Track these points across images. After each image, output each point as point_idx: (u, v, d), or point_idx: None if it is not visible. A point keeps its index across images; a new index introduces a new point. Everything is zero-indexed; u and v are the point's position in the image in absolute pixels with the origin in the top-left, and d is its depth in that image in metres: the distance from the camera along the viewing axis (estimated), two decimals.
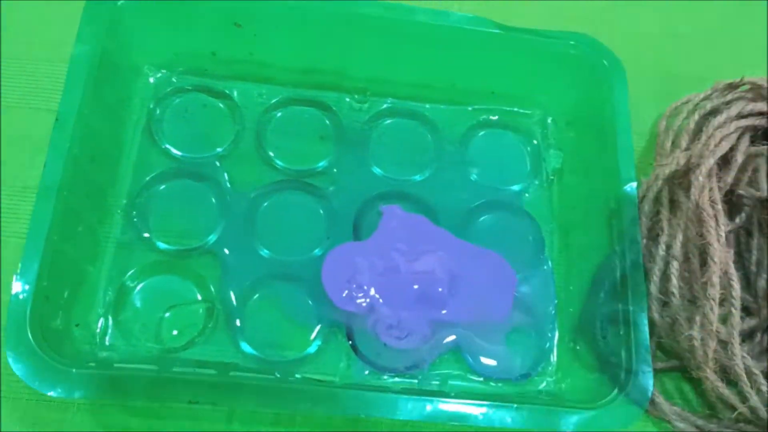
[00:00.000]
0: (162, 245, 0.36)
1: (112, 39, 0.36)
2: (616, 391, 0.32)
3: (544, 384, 0.36)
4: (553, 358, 0.36)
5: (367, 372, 0.34)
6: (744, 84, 0.41)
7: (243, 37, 0.39)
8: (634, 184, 0.36)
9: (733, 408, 0.35)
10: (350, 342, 0.35)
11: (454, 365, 0.36)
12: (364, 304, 0.35)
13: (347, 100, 0.41)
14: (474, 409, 0.30)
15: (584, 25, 0.46)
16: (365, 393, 0.30)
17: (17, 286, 0.30)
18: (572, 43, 0.39)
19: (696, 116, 0.41)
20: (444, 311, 0.36)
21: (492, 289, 0.37)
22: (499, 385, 0.35)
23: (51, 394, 0.28)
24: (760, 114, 0.40)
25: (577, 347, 0.36)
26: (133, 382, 0.29)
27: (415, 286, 0.36)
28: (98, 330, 0.34)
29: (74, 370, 0.28)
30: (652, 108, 0.44)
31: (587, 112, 0.40)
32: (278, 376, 0.32)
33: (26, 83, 0.39)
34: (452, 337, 0.36)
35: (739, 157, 0.38)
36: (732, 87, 0.41)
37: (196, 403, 0.28)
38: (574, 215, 0.39)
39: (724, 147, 0.37)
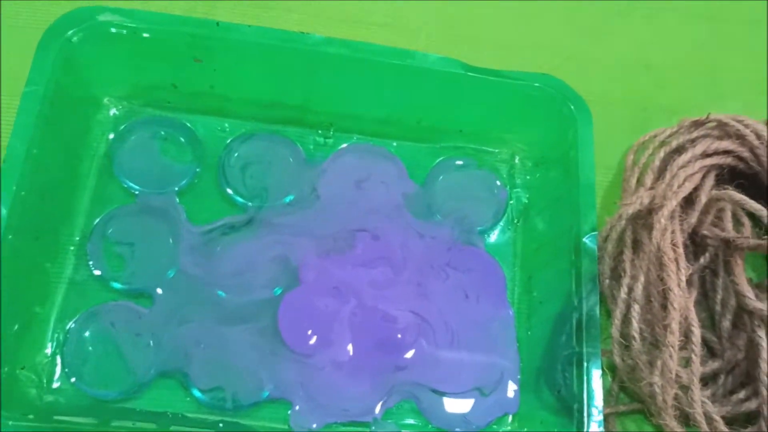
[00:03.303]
0: (116, 285, 0.35)
1: (68, 73, 0.35)
2: None
3: None
4: (514, 407, 0.36)
5: (314, 424, 0.33)
6: (710, 121, 0.41)
7: (203, 71, 0.38)
8: (595, 233, 0.35)
9: None
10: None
11: (410, 414, 0.35)
12: (320, 346, 0.35)
13: (311, 136, 0.41)
14: None
15: (554, 54, 0.46)
16: None
17: None
18: (537, 85, 0.39)
19: (662, 153, 0.40)
20: (402, 356, 0.36)
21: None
22: None
23: None
24: (726, 152, 0.39)
25: (537, 394, 0.35)
26: None
27: (375, 330, 0.36)
28: (45, 373, 0.33)
29: (10, 423, 0.28)
30: (621, 139, 0.44)
31: (553, 152, 0.40)
32: (222, 427, 0.31)
33: None
34: (400, 386, 0.35)
35: (703, 198, 0.38)
36: (698, 124, 0.41)
37: None
38: (538, 258, 0.39)
39: (688, 188, 0.37)
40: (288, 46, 0.36)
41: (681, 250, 0.35)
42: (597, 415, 0.32)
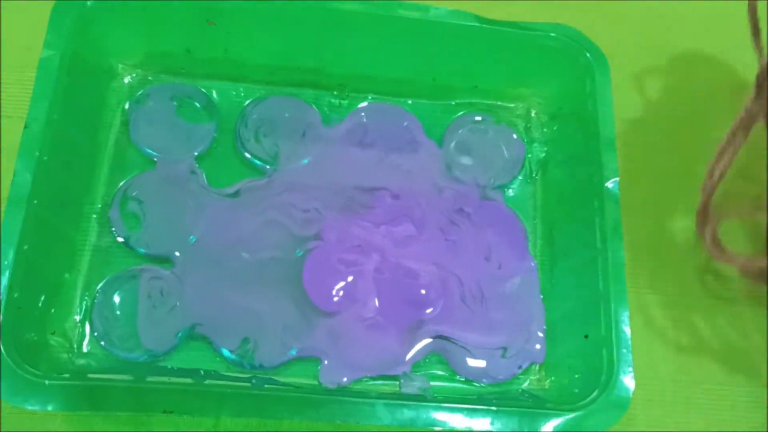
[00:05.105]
0: (140, 250, 0.35)
1: (83, 40, 0.35)
2: (597, 391, 0.31)
3: (527, 383, 0.35)
4: (540, 357, 0.36)
5: (345, 378, 0.34)
6: None
7: (217, 35, 0.38)
8: (617, 179, 0.35)
9: None
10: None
11: (437, 366, 0.35)
12: (346, 304, 0.35)
13: (326, 98, 0.40)
14: (453, 414, 0.30)
15: (563, 7, 0.45)
16: (343, 399, 0.30)
17: None
18: (553, 35, 0.38)
19: None
20: (427, 311, 0.36)
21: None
22: (483, 385, 0.35)
23: (26, 407, 0.28)
24: None
25: (563, 341, 0.36)
26: (107, 393, 0.29)
27: (400, 286, 0.36)
28: (75, 337, 0.33)
29: (47, 382, 0.28)
30: (638, 92, 0.43)
31: (570, 104, 0.39)
32: (255, 383, 0.31)
33: None
34: (428, 340, 0.35)
35: None
36: None
37: (171, 413, 0.28)
38: (558, 211, 0.39)
39: None
40: (300, 3, 0.36)
41: None
42: (626, 356, 0.32)
